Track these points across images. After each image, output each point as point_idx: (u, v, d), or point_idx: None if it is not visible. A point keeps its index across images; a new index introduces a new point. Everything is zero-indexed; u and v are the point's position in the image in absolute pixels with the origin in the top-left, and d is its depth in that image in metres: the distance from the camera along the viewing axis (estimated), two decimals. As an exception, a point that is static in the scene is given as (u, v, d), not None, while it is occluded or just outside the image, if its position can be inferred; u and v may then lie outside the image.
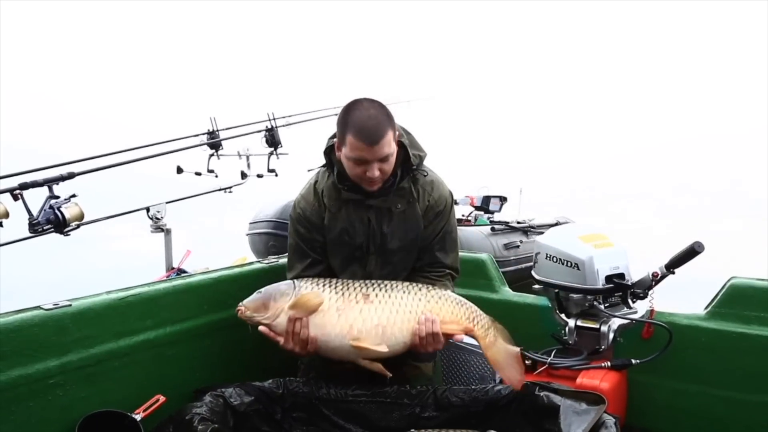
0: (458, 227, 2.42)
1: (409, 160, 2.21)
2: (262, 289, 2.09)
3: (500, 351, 2.10)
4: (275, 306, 2.01)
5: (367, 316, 1.99)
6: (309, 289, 2.04)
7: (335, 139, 2.18)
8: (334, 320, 1.98)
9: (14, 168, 2.78)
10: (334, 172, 2.23)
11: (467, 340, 2.29)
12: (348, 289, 2.05)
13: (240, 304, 2.06)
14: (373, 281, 2.10)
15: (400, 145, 2.16)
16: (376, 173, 2.06)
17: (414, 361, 2.39)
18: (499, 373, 2.11)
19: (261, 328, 2.03)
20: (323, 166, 2.32)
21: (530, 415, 1.98)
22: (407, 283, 2.11)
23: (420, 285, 2.11)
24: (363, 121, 2.02)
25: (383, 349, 1.97)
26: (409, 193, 2.25)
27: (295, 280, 2.11)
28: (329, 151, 2.24)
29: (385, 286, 2.07)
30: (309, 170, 2.39)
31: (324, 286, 2.06)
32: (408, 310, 2.01)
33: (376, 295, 2.03)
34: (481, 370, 2.64)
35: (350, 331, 1.97)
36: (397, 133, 2.11)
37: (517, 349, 2.13)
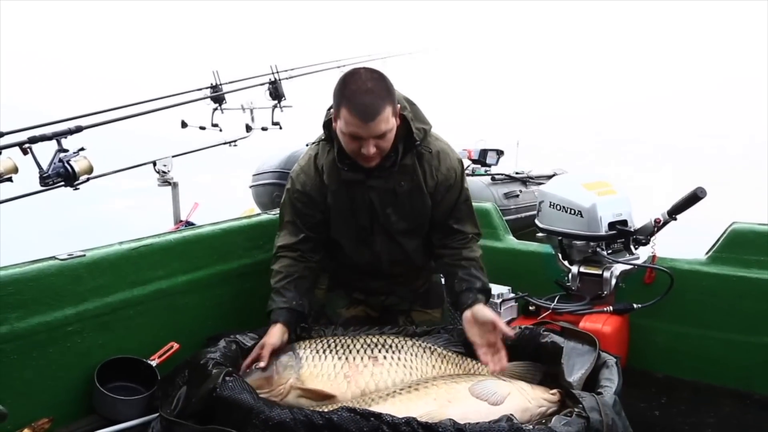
0: None
1: (412, 135, 2.06)
2: (261, 363, 1.94)
3: None
4: (279, 381, 1.90)
5: (380, 379, 1.91)
6: (311, 359, 1.94)
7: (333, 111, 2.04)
8: (344, 388, 1.89)
9: (23, 125, 2.80)
10: (334, 147, 2.09)
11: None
12: (352, 352, 1.98)
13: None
14: (375, 341, 2.03)
15: (402, 119, 2.02)
16: (372, 150, 1.92)
17: (423, 307, 2.44)
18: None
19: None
20: (323, 139, 2.18)
21: (534, 357, 2.04)
22: (411, 342, 2.04)
23: (424, 345, 2.04)
24: (359, 95, 1.87)
25: None
26: (412, 170, 2.10)
27: (297, 349, 1.98)
28: (329, 124, 2.07)
29: (391, 347, 2.01)
30: (307, 144, 2.23)
31: (327, 353, 1.96)
32: (419, 374, 1.95)
33: (385, 357, 1.97)
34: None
35: (363, 396, 1.87)
36: (398, 106, 1.98)
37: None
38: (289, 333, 2.03)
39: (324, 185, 2.14)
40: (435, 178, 2.13)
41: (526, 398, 1.77)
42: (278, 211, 2.75)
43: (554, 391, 1.81)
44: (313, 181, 2.16)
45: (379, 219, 2.15)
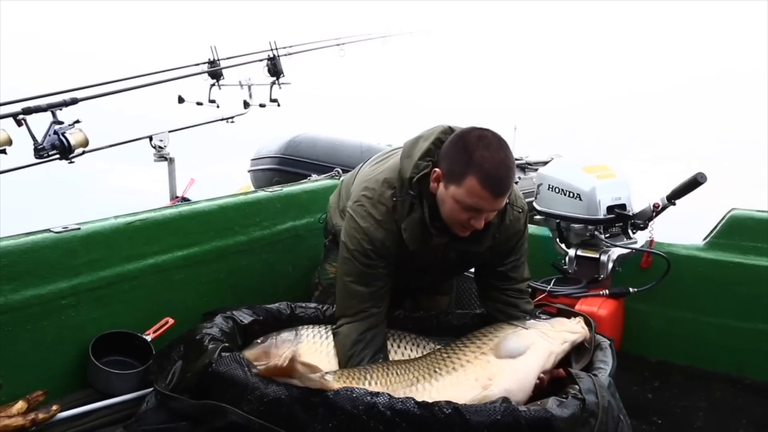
0: None
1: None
2: (260, 339, 1.96)
3: None
4: (276, 354, 1.87)
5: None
6: (310, 337, 1.94)
7: (429, 165, 1.78)
8: (338, 367, 1.88)
9: (17, 97, 2.75)
10: (423, 207, 1.82)
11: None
12: None
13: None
14: None
15: None
16: (482, 224, 1.74)
17: (433, 291, 2.43)
18: None
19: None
20: (411, 193, 1.84)
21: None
22: (414, 335, 2.02)
23: (426, 339, 2.01)
24: (495, 167, 1.67)
25: None
26: (495, 230, 1.90)
27: (300, 329, 1.98)
28: (423, 180, 1.80)
29: (393, 335, 2.00)
30: (395, 199, 1.87)
31: (328, 334, 1.95)
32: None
33: (390, 345, 1.97)
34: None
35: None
36: None
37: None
38: None
39: (403, 243, 1.88)
40: (500, 233, 1.94)
41: (549, 343, 1.78)
42: (276, 189, 2.75)
43: (577, 319, 1.81)
44: (393, 238, 1.87)
45: (439, 265, 2.02)
